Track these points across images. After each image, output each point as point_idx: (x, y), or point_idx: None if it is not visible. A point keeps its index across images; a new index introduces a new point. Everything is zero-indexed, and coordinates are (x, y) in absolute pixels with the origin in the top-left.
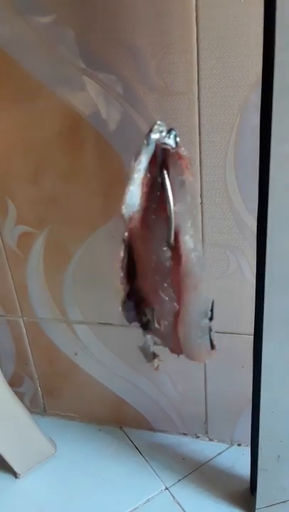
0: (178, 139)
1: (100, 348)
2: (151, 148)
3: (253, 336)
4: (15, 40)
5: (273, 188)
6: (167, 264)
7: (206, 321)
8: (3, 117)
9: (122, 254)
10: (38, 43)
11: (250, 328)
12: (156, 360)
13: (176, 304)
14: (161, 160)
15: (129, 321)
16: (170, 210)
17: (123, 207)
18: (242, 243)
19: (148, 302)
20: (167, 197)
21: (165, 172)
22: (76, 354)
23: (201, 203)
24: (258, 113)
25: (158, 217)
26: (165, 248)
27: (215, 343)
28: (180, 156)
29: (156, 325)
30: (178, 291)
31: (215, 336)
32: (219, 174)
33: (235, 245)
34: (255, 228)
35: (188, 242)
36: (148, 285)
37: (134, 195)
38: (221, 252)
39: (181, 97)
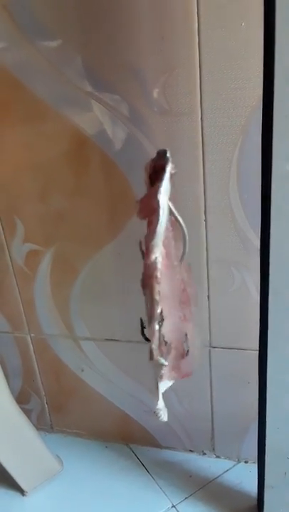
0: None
1: (107, 364)
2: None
3: (258, 352)
4: (23, 65)
5: (275, 205)
6: (181, 285)
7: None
8: (12, 138)
9: (157, 297)
10: (45, 67)
11: (256, 343)
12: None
13: (187, 323)
14: (170, 187)
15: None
16: (182, 228)
17: (154, 251)
18: (246, 259)
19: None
20: (177, 218)
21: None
22: (83, 370)
23: (205, 220)
24: (259, 132)
25: (172, 243)
26: (177, 267)
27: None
28: (172, 176)
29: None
30: (187, 310)
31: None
32: (222, 192)
33: (239, 261)
34: (259, 244)
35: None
36: (174, 322)
37: (160, 234)
38: (225, 268)
39: (184, 118)
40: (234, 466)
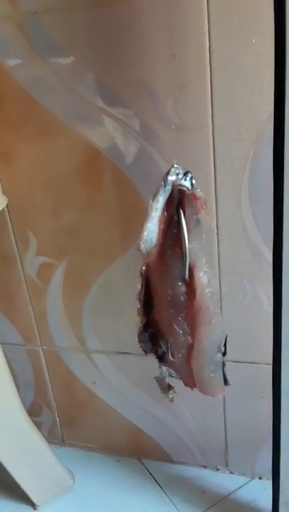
0: (194, 181)
1: (119, 377)
2: (168, 189)
3: (271, 366)
4: (37, 81)
5: (287, 218)
6: (182, 298)
7: (219, 355)
8: (26, 153)
9: (139, 286)
10: (58, 84)
11: (269, 357)
12: (171, 392)
13: (189, 337)
14: (178, 200)
15: (145, 351)
16: (185, 247)
17: (141, 242)
18: (258, 272)
19: (163, 334)
20: (182, 235)
21: (181, 211)
22: (94, 383)
23: (217, 234)
24: (271, 147)
25: (174, 253)
26: (180, 283)
27: (228, 378)
28: (196, 197)
29: (171, 357)
30: (192, 325)
31: (229, 370)
32: (234, 205)
33: (251, 275)
34: (271, 257)
35: (202, 278)
36: (163, 318)
37: (151, 231)
38: (237, 281)
39: (195, 133)
40: (248, 482)
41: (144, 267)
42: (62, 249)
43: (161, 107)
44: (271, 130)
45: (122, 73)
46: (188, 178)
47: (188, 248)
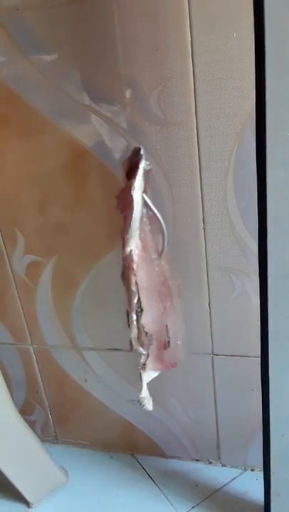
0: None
1: (110, 373)
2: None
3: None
4: (21, 79)
5: (271, 211)
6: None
7: None
8: (11, 151)
9: (135, 300)
10: (42, 81)
11: (258, 350)
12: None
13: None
14: (144, 183)
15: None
16: (160, 222)
17: (128, 249)
18: (246, 266)
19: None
20: (155, 213)
21: (144, 194)
22: (86, 380)
23: (204, 228)
24: (254, 139)
25: (150, 235)
26: (156, 260)
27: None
28: (149, 171)
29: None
30: (168, 302)
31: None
32: (220, 199)
33: (239, 268)
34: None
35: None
36: (151, 312)
37: (133, 230)
38: (225, 275)
39: (180, 128)
40: (241, 474)
41: (134, 267)
42: (51, 247)
43: (146, 101)
44: (254, 124)
45: (106, 69)
46: (144, 154)
47: (164, 223)
